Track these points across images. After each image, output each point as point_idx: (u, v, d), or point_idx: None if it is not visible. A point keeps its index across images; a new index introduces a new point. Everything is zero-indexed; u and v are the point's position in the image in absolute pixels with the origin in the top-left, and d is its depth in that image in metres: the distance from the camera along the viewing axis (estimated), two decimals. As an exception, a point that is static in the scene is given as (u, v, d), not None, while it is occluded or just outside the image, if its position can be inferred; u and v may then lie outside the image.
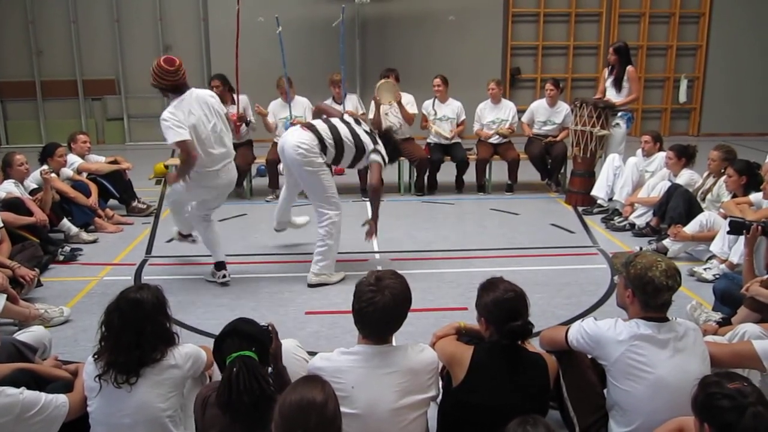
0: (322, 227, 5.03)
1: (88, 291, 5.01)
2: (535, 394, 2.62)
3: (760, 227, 3.96)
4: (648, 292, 2.61)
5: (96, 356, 2.53)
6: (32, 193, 5.94)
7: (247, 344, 2.44)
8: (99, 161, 7.24)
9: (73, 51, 11.91)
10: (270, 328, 2.61)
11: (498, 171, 8.33)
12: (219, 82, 7.65)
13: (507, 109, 8.24)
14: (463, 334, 2.94)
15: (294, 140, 4.85)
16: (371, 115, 7.92)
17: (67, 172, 6.70)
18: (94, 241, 6.15)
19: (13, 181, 5.83)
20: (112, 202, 7.13)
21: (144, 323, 2.52)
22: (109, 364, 2.48)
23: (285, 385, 2.57)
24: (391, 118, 7.89)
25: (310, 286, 5.03)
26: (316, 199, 5.04)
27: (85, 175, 6.90)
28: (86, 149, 7.09)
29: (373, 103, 7.90)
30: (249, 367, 2.37)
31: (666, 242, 5.57)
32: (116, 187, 7.09)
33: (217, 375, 2.73)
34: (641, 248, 5.28)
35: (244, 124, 7.68)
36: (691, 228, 5.41)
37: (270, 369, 2.59)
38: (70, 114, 12.10)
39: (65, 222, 6.06)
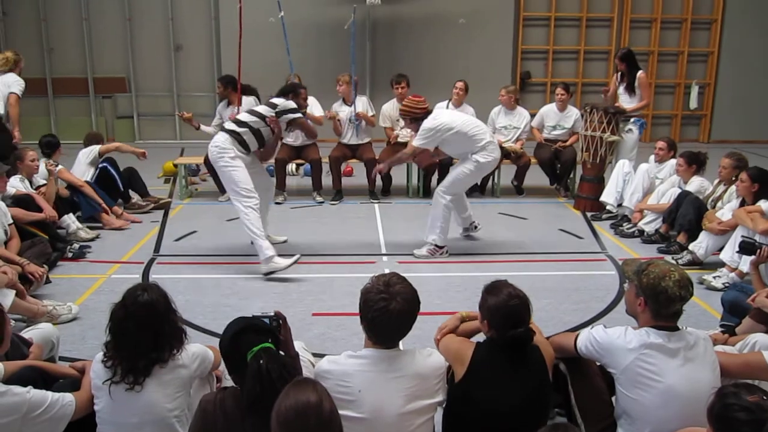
0: (242, 222, 5.31)
1: (96, 288, 5.02)
2: (536, 387, 2.60)
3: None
4: (660, 302, 2.60)
5: (108, 363, 2.50)
6: (39, 189, 5.94)
7: (264, 337, 2.41)
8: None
9: (84, 49, 11.94)
10: (277, 316, 2.62)
11: (506, 175, 8.29)
12: (220, 84, 7.99)
13: (520, 117, 8.13)
14: (466, 321, 2.99)
15: (211, 143, 5.41)
16: (381, 120, 7.95)
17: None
18: (93, 239, 6.10)
19: (19, 176, 5.84)
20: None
21: (161, 324, 2.52)
22: (127, 370, 2.47)
23: (297, 374, 2.57)
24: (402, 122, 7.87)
25: (265, 275, 5.24)
26: (230, 194, 5.42)
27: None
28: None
29: (383, 111, 7.95)
30: (274, 357, 2.33)
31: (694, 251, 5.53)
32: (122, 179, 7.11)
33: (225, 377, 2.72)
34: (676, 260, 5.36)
35: None
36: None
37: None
38: (81, 111, 12.15)
39: (65, 218, 6.02)
